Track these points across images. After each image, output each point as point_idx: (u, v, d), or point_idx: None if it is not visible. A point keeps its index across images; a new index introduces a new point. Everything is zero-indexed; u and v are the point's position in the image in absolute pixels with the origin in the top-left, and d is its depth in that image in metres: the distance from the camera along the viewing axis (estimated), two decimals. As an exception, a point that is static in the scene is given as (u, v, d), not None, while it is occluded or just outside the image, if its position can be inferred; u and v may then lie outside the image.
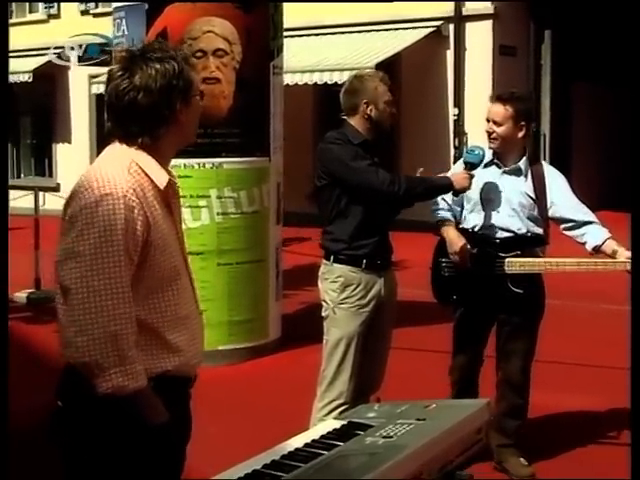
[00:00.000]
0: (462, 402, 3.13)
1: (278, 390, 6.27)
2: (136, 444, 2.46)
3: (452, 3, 15.46)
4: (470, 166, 4.48)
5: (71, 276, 2.38)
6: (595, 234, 4.50)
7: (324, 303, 4.45)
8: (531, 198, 4.56)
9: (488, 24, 15.33)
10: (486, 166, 4.59)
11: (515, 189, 4.57)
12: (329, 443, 2.27)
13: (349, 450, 2.19)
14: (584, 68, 16.20)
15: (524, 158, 4.63)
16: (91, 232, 2.37)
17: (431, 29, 15.55)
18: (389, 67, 12.69)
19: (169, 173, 2.63)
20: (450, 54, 15.68)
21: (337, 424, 2.44)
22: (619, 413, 5.34)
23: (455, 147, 15.43)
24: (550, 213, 4.56)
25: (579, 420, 5.55)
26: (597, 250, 4.47)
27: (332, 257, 4.38)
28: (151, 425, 2.45)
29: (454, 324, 4.81)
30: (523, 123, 4.56)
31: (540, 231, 4.58)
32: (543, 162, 4.75)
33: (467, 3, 15.48)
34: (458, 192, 4.45)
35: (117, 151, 2.55)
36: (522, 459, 4.68)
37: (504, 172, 4.60)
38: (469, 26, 15.50)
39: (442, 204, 4.70)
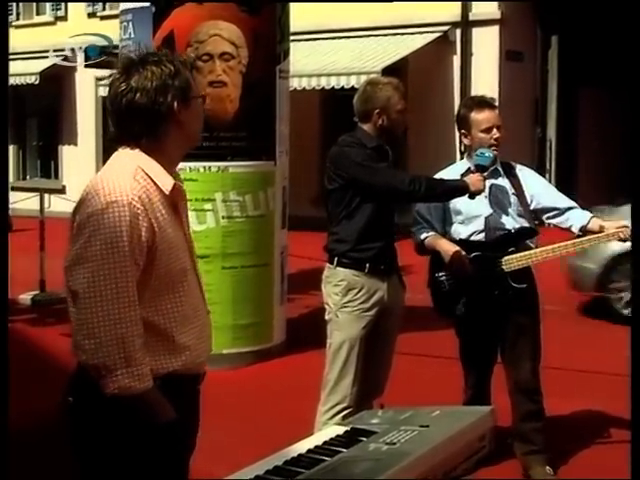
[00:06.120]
0: (466, 409, 3.13)
1: (282, 394, 6.26)
2: (144, 441, 2.53)
3: (459, 8, 15.46)
4: (481, 169, 4.46)
5: (79, 281, 2.46)
6: (579, 216, 4.56)
7: (327, 306, 4.45)
8: (514, 195, 4.61)
9: (495, 29, 15.33)
10: (464, 175, 4.55)
11: (499, 189, 4.61)
12: (332, 449, 2.27)
13: (352, 456, 2.19)
14: (591, 74, 16.18)
15: (498, 160, 4.64)
16: (98, 239, 2.46)
17: (438, 34, 15.56)
18: (396, 72, 12.67)
19: (176, 176, 2.69)
20: (457, 59, 15.68)
21: (340, 430, 2.44)
22: (619, 414, 5.33)
23: (461, 152, 15.38)
24: (532, 206, 4.63)
25: (579, 422, 5.54)
26: (584, 230, 4.52)
27: (335, 260, 4.38)
28: (159, 423, 2.51)
29: (460, 346, 4.81)
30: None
31: (529, 225, 4.61)
32: (512, 162, 4.78)
33: (474, 8, 15.47)
34: (473, 194, 4.41)
35: (123, 157, 2.62)
36: (548, 468, 4.61)
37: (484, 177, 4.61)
38: (476, 31, 15.49)
39: (422, 223, 4.68)
